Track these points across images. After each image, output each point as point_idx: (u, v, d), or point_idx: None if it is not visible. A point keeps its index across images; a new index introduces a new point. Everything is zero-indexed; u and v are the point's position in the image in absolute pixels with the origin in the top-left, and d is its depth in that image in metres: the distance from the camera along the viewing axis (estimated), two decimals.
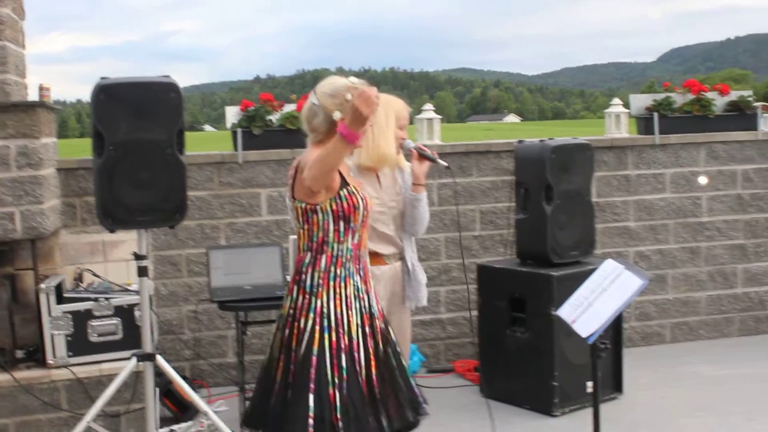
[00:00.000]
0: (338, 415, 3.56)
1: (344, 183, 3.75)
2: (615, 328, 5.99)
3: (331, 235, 3.72)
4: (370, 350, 3.77)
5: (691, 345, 7.51)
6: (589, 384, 5.69)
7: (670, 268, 7.53)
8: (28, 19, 6.27)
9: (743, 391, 6.16)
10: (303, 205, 3.73)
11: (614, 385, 6.09)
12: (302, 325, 3.69)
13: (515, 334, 5.94)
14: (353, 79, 3.82)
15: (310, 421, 3.55)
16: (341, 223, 3.70)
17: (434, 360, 7.07)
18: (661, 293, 7.50)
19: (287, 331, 3.75)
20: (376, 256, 4.44)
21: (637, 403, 5.99)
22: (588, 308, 4.17)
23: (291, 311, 3.75)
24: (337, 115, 3.67)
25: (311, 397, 3.58)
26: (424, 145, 4.60)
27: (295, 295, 3.76)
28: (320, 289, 3.71)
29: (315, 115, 3.76)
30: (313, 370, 3.61)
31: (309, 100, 3.81)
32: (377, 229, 4.42)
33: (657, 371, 6.71)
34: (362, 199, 3.77)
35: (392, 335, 3.98)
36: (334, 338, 3.66)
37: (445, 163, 4.34)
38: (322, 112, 3.73)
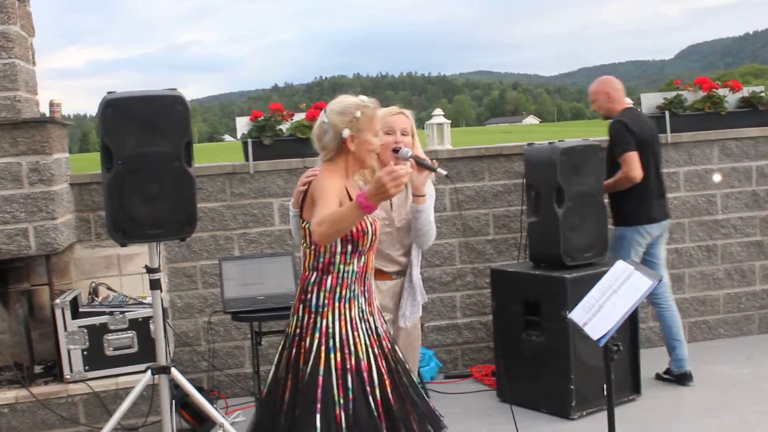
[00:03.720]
0: None
1: None
2: (631, 329, 5.96)
3: (338, 257, 3.71)
4: (383, 370, 3.77)
5: (710, 344, 7.45)
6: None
7: (686, 267, 7.48)
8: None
9: (762, 390, 6.10)
10: (311, 226, 3.72)
11: (632, 386, 6.05)
12: (308, 344, 3.70)
13: (531, 338, 5.92)
14: (363, 97, 3.84)
15: None
16: (349, 247, 3.70)
17: (451, 365, 7.05)
18: (679, 292, 7.44)
19: (294, 351, 3.75)
20: (381, 274, 4.40)
21: (656, 404, 5.96)
22: (599, 310, 4.16)
23: (297, 330, 3.75)
24: (346, 133, 3.69)
25: (318, 416, 3.57)
26: (435, 151, 4.51)
27: (300, 314, 3.76)
28: (326, 309, 3.71)
29: (325, 133, 3.76)
30: (319, 390, 3.61)
31: (320, 119, 3.82)
32: (382, 250, 4.34)
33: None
34: (371, 224, 3.75)
35: (399, 354, 3.97)
36: (339, 358, 3.66)
37: (444, 172, 4.15)
38: (332, 129, 3.73)
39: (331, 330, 3.68)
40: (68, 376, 5.53)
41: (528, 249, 6.27)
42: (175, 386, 4.94)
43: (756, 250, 7.61)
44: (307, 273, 3.81)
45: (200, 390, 5.32)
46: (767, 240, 7.63)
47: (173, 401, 5.04)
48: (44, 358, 5.86)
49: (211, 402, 5.38)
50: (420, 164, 4.25)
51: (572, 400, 5.70)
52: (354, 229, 3.65)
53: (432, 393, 6.27)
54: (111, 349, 5.58)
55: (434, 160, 4.37)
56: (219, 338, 6.66)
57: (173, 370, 4.80)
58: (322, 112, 3.82)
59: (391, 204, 4.41)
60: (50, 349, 5.79)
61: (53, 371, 5.69)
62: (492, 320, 6.34)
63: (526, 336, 5.95)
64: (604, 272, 4.34)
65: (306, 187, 3.84)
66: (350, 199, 3.74)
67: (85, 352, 5.54)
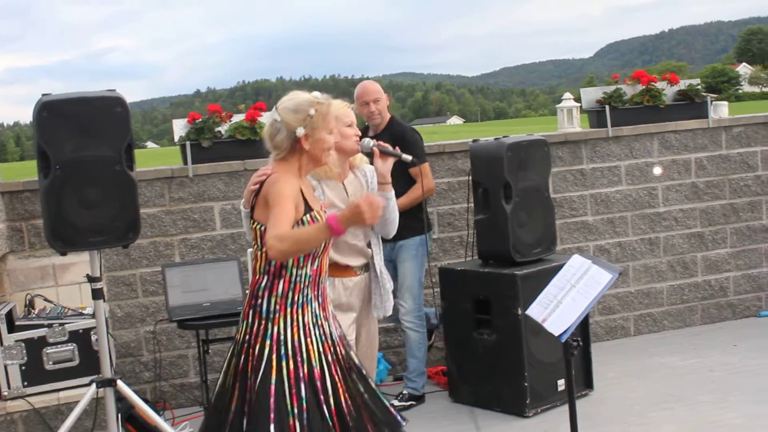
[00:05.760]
0: None
1: (308, 208, 3.62)
2: (582, 324, 5.93)
3: (290, 260, 3.55)
4: (337, 378, 3.64)
5: (655, 336, 7.48)
6: (561, 382, 5.65)
7: (630, 260, 7.50)
8: None
9: (711, 380, 6.13)
10: (263, 227, 3.58)
11: (585, 381, 6.02)
12: (257, 352, 3.55)
13: (482, 337, 5.85)
14: (316, 93, 3.71)
15: None
16: None
17: (400, 367, 6.95)
18: (623, 286, 7.47)
19: (242, 358, 3.59)
20: (347, 269, 4.36)
21: (608, 398, 5.94)
22: (558, 306, 4.10)
23: (246, 337, 3.60)
24: (300, 132, 3.56)
25: (272, 426, 3.43)
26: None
27: (250, 320, 3.61)
28: (277, 315, 3.56)
29: (278, 132, 3.61)
30: (272, 400, 3.47)
31: (271, 117, 3.68)
32: (347, 241, 4.29)
33: (624, 365, 6.67)
34: None
35: (355, 360, 3.85)
36: (292, 367, 3.53)
37: (409, 157, 4.27)
38: (285, 128, 3.59)
39: (282, 337, 3.54)
40: (6, 393, 5.31)
41: (476, 246, 6.19)
42: (119, 399, 4.76)
43: (697, 241, 7.67)
44: (257, 277, 3.64)
45: (145, 402, 5.14)
46: (707, 231, 7.69)
47: (118, 414, 4.86)
48: None
49: (158, 414, 5.20)
50: (384, 152, 4.34)
51: (526, 397, 5.64)
52: None
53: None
54: (51, 363, 5.37)
55: (396, 147, 4.40)
56: (162, 348, 6.44)
57: (119, 382, 4.63)
58: (274, 109, 3.69)
59: (346, 192, 4.37)
60: None
61: None
62: (442, 320, 6.25)
63: (477, 335, 5.88)
64: (555, 268, 4.33)
65: (258, 186, 3.68)
66: (305, 201, 3.62)
67: (23, 367, 5.32)
